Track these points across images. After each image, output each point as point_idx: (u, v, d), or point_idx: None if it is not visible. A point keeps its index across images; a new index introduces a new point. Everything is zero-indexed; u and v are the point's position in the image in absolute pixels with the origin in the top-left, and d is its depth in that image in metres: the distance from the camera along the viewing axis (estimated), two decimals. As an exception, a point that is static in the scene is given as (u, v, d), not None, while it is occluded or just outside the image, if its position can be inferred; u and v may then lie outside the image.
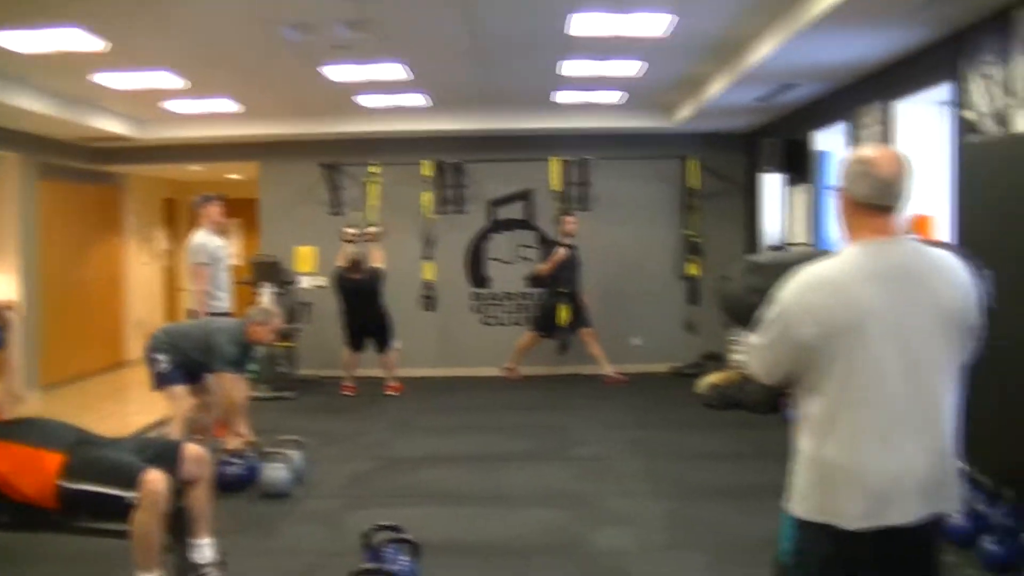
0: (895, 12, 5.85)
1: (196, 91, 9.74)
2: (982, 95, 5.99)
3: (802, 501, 2.83)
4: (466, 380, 12.09)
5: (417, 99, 10.60)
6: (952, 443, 2.78)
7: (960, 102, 6.29)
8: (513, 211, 12.71)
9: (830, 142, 9.16)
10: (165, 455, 4.82)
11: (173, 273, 15.64)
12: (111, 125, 11.09)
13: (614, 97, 10.58)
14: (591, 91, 10.23)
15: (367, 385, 11.24)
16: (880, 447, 2.71)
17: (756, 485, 6.67)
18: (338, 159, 12.43)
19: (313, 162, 12.41)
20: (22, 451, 4.52)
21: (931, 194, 6.92)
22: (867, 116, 7.95)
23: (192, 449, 4.92)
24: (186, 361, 7.10)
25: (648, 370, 12.15)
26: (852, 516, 2.71)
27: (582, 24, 7.10)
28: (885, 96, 7.55)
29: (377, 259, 11.04)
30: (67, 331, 12.00)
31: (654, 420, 9.52)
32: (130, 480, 4.42)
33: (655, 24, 7.07)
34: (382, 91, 10.07)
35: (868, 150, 2.83)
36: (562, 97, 10.58)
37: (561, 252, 11.49)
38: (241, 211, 14.16)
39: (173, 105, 10.60)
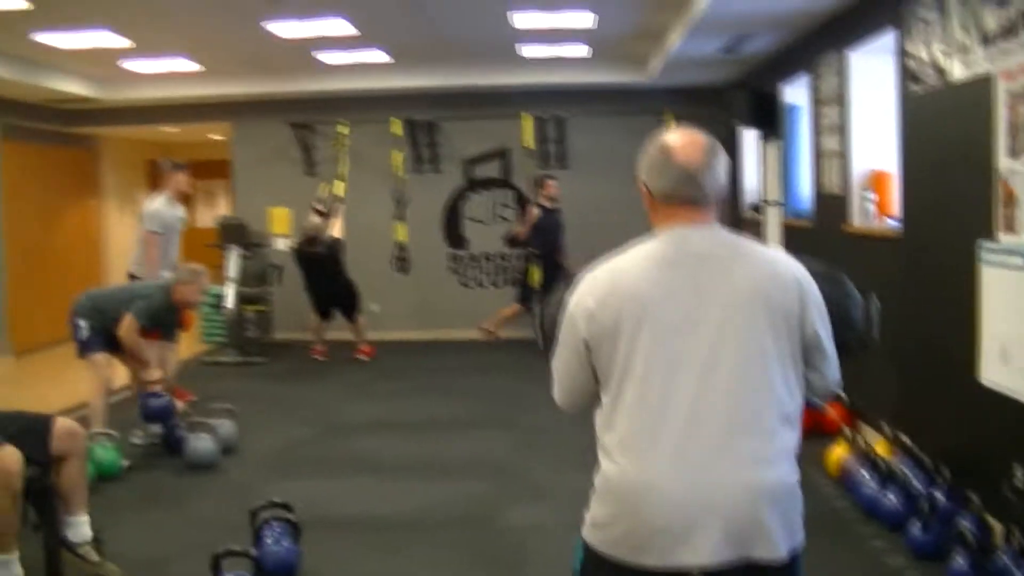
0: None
1: (145, 50, 9.54)
2: (921, 42, 5.62)
3: (588, 523, 2.37)
4: (443, 344, 11.85)
5: (377, 55, 10.35)
6: (782, 460, 2.28)
7: (903, 50, 5.92)
8: (490, 170, 12.41)
9: (797, 95, 8.77)
10: (33, 430, 4.58)
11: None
12: (70, 86, 10.87)
13: (580, 51, 10.27)
14: (555, 45, 9.94)
15: (340, 349, 11.03)
16: (669, 467, 2.21)
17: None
18: (308, 118, 12.17)
19: (284, 122, 12.14)
20: None
21: (887, 149, 6.59)
22: (824, 67, 7.59)
23: (63, 423, 4.67)
24: (109, 326, 6.85)
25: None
26: (632, 549, 2.24)
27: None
28: (840, 45, 7.18)
29: (336, 230, 10.77)
30: (38, 295, 11.76)
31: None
32: (-21, 457, 4.20)
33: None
34: (337, 47, 9.81)
35: (669, 137, 2.44)
36: (527, 51, 10.28)
37: (534, 212, 11.21)
38: (223, 172, 13.91)
39: (130, 65, 10.37)
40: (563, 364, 2.49)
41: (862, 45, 6.82)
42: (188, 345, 12.09)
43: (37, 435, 4.55)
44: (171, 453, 6.80)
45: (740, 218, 11.10)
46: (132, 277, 8.43)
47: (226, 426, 7.03)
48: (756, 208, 10.36)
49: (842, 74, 7.16)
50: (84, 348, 6.89)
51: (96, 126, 12.93)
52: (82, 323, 6.86)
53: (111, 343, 6.92)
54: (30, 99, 11.31)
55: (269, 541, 4.71)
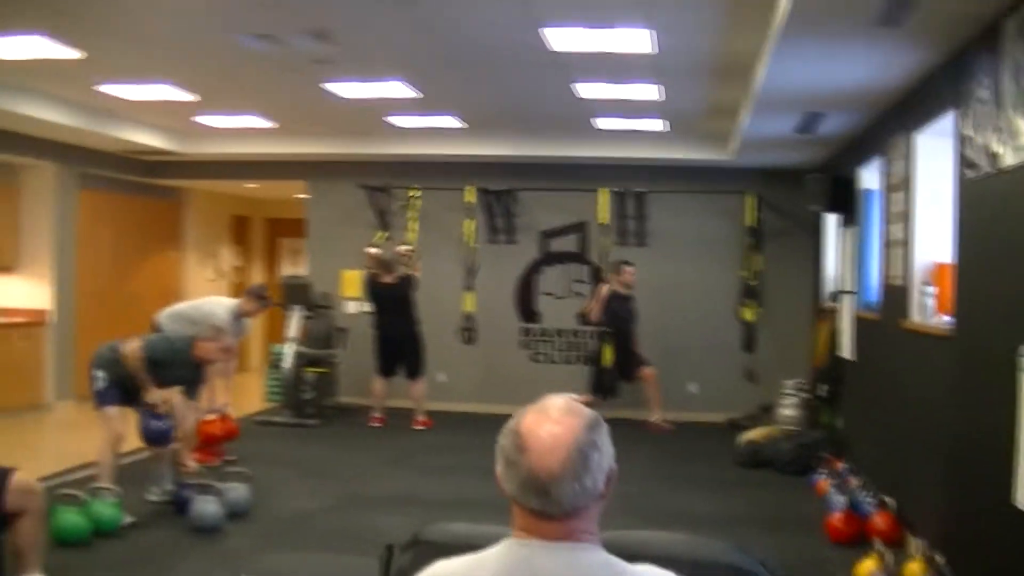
0: (848, 24, 5.06)
1: (214, 106, 9.59)
2: (976, 125, 5.17)
3: None
4: (507, 419, 11.47)
5: (448, 120, 10.22)
6: None
7: (960, 133, 5.47)
8: (566, 243, 12.12)
9: (872, 179, 8.31)
10: (-12, 483, 4.42)
11: (242, 289, 15.49)
12: (146, 138, 11.00)
13: (656, 125, 9.97)
14: (630, 118, 9.68)
15: (399, 417, 10.79)
16: None
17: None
18: (381, 181, 12.08)
19: (357, 184, 12.07)
20: None
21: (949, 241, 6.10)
22: (893, 150, 7.14)
23: (19, 479, 4.50)
24: (126, 379, 6.71)
25: (705, 419, 11.38)
26: None
27: (559, 39, 6.59)
28: (908, 127, 6.72)
29: (413, 268, 10.59)
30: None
31: (667, 474, 8.74)
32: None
33: (637, 40, 6.51)
34: (406, 111, 9.71)
35: (527, 420, 1.86)
36: (603, 124, 10.03)
37: (604, 289, 10.88)
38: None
39: (204, 119, 10.44)
40: None
41: (927, 127, 6.37)
42: (250, 403, 12.04)
43: (-8, 489, 4.38)
44: (180, 513, 6.60)
45: (820, 308, 10.60)
46: (155, 327, 8.43)
47: (238, 490, 6.81)
48: (834, 297, 9.85)
49: (908, 158, 6.71)
50: (99, 400, 6.76)
51: (178, 178, 13.08)
52: (99, 374, 6.74)
53: (128, 397, 6.78)
54: (108, 149, 11.45)
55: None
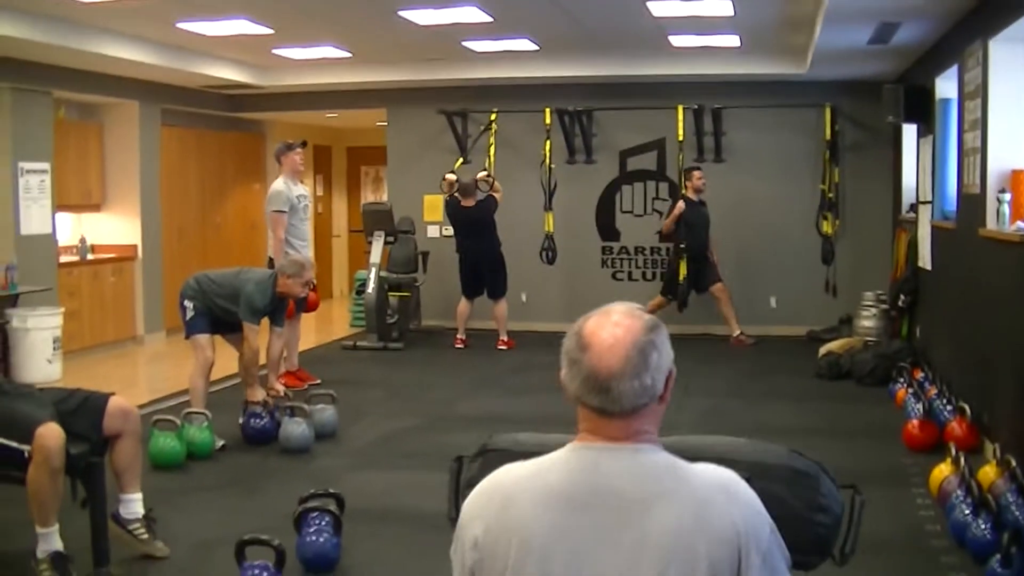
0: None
1: (291, 38, 9.78)
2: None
3: None
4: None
5: (522, 43, 10.27)
6: None
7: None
8: (645, 161, 12.12)
9: (950, 88, 8.18)
10: (87, 408, 4.66)
11: (324, 219, 15.79)
12: (226, 72, 11.20)
13: (731, 41, 9.94)
14: (704, 35, 9.66)
15: (482, 338, 11.00)
16: None
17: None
18: (459, 106, 12.16)
19: (436, 110, 12.17)
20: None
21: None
22: (969, 57, 7.03)
23: (116, 402, 4.73)
24: (214, 309, 6.95)
25: (786, 333, 11.40)
26: None
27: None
28: (984, 33, 6.61)
29: (494, 189, 10.73)
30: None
31: (745, 389, 8.83)
32: (26, 433, 4.29)
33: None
34: (480, 35, 9.76)
35: (590, 323, 1.94)
36: (677, 41, 9.99)
37: (680, 205, 10.90)
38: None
39: (282, 52, 10.61)
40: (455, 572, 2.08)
41: (1002, 33, 6.27)
42: (336, 328, 12.34)
43: (91, 413, 4.64)
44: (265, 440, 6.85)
45: (898, 220, 10.52)
46: (270, 262, 8.57)
47: (325, 412, 7.05)
48: (913, 208, 9.77)
49: (984, 65, 6.61)
50: (189, 329, 7.00)
51: (258, 111, 13.35)
52: (188, 304, 6.97)
53: (216, 325, 7.03)
54: (189, 85, 11.71)
55: (310, 531, 4.65)
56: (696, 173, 10.93)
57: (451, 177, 10.94)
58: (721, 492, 1.88)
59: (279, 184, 8.75)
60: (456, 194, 10.70)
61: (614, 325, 1.92)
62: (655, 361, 1.91)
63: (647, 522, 1.84)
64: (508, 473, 2.01)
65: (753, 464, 2.21)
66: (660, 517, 1.84)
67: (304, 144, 9.01)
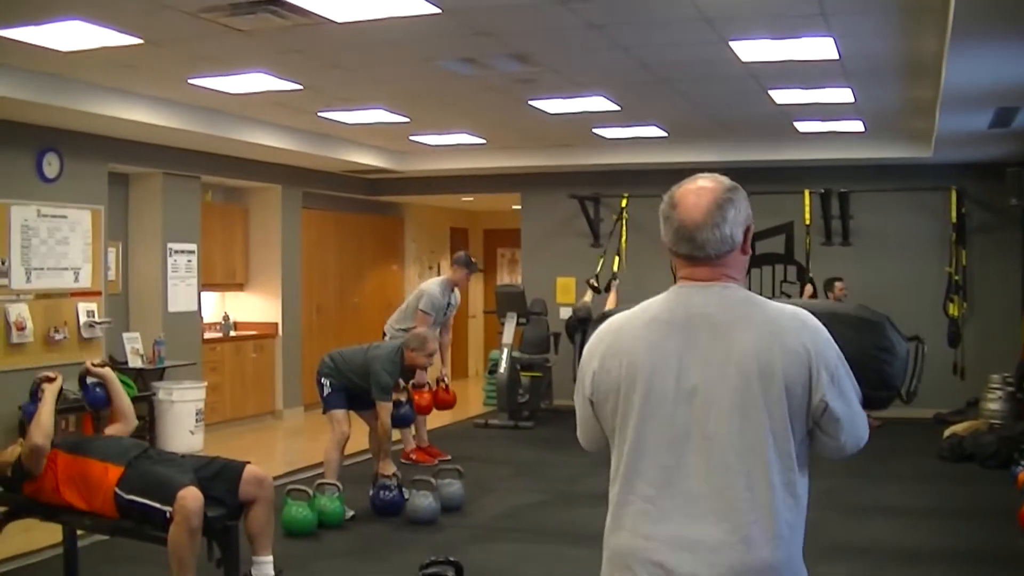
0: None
1: (426, 126, 10.25)
2: None
3: None
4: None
5: (651, 131, 10.54)
6: (770, 538, 2.18)
7: None
8: (773, 245, 12.17)
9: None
10: (225, 475, 4.99)
11: (461, 300, 16.08)
12: (366, 158, 11.72)
13: (855, 126, 10.02)
14: (828, 120, 9.76)
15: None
16: (659, 543, 2.22)
17: (921, 548, 6.04)
18: (592, 191, 12.44)
19: (568, 194, 12.46)
20: (93, 464, 4.84)
21: None
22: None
23: (252, 470, 5.05)
24: (349, 385, 7.28)
25: (913, 416, 11.18)
26: None
27: (748, 50, 6.84)
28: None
29: (610, 303, 10.94)
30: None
31: (867, 469, 8.70)
32: (169, 496, 4.61)
33: (821, 47, 6.68)
34: (610, 123, 10.07)
35: (681, 186, 2.35)
36: (803, 127, 10.11)
37: (809, 290, 10.92)
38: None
39: (419, 139, 11.08)
40: (579, 411, 2.50)
41: None
42: (471, 406, 12.61)
43: (228, 479, 4.97)
44: (380, 514, 7.09)
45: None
46: (384, 334, 8.95)
47: (452, 486, 7.26)
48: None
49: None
50: (327, 404, 7.34)
51: (396, 194, 13.86)
52: (325, 381, 7.32)
53: (351, 400, 7.35)
54: (329, 169, 12.30)
55: (428, 598, 4.83)
56: (839, 284, 10.90)
57: (587, 300, 11.50)
58: (793, 319, 2.28)
59: (436, 288, 9.13)
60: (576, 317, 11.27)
61: (699, 187, 2.33)
62: (732, 216, 2.30)
63: (732, 340, 2.23)
64: (618, 316, 2.44)
65: (826, 312, 2.49)
66: (742, 336, 2.23)
67: (480, 270, 9.45)
